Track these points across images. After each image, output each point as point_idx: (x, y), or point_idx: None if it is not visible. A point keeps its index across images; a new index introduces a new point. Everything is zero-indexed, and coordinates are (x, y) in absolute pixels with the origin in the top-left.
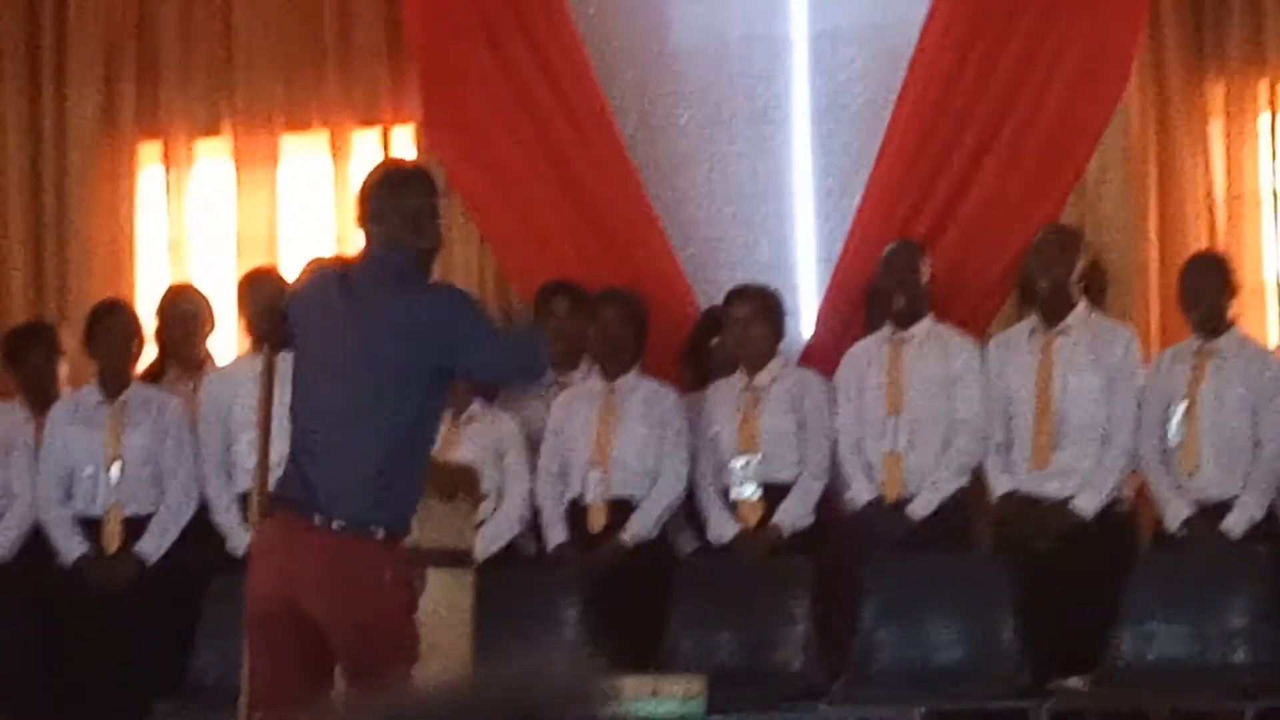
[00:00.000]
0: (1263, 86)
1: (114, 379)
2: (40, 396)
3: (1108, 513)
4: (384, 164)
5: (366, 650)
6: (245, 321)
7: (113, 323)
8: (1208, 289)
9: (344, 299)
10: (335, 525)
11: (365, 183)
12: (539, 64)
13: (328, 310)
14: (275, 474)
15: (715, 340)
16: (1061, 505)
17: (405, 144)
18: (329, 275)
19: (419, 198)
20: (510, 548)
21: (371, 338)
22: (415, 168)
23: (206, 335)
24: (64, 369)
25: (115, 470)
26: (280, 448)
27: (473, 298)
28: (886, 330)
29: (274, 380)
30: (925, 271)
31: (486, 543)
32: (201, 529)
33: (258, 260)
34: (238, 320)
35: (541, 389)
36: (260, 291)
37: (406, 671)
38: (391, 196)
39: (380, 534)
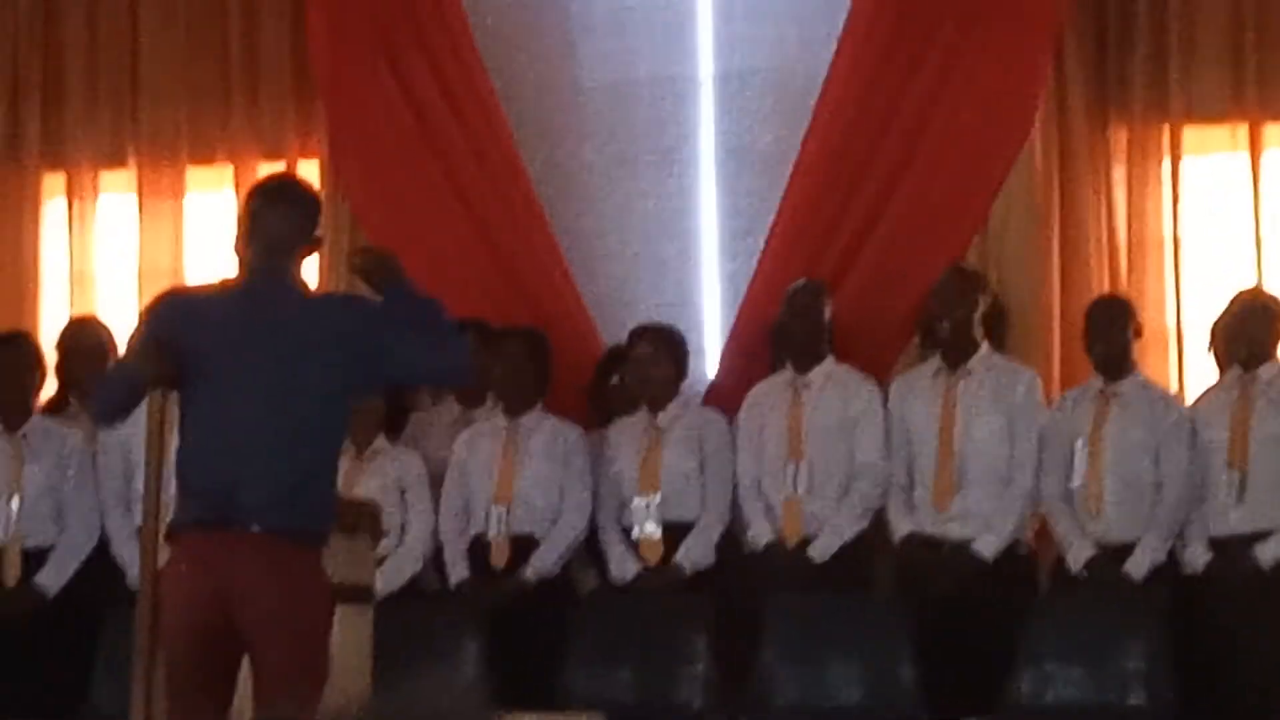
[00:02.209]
0: (1164, 133)
1: (14, 411)
2: None
3: (1008, 555)
4: (258, 182)
5: (293, 659)
6: (62, 368)
7: (13, 355)
8: (1111, 330)
9: (243, 315)
10: (270, 530)
11: (242, 204)
12: (446, 101)
13: (226, 329)
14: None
15: (616, 378)
16: (963, 547)
17: (310, 179)
18: (213, 296)
19: (291, 205)
20: (412, 584)
21: (283, 349)
22: (286, 178)
23: None
24: None
25: (15, 502)
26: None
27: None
28: (788, 372)
29: (166, 420)
30: (827, 312)
31: (388, 578)
32: (101, 562)
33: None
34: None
35: (464, 383)
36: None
37: (318, 693)
38: (265, 210)
39: (310, 540)
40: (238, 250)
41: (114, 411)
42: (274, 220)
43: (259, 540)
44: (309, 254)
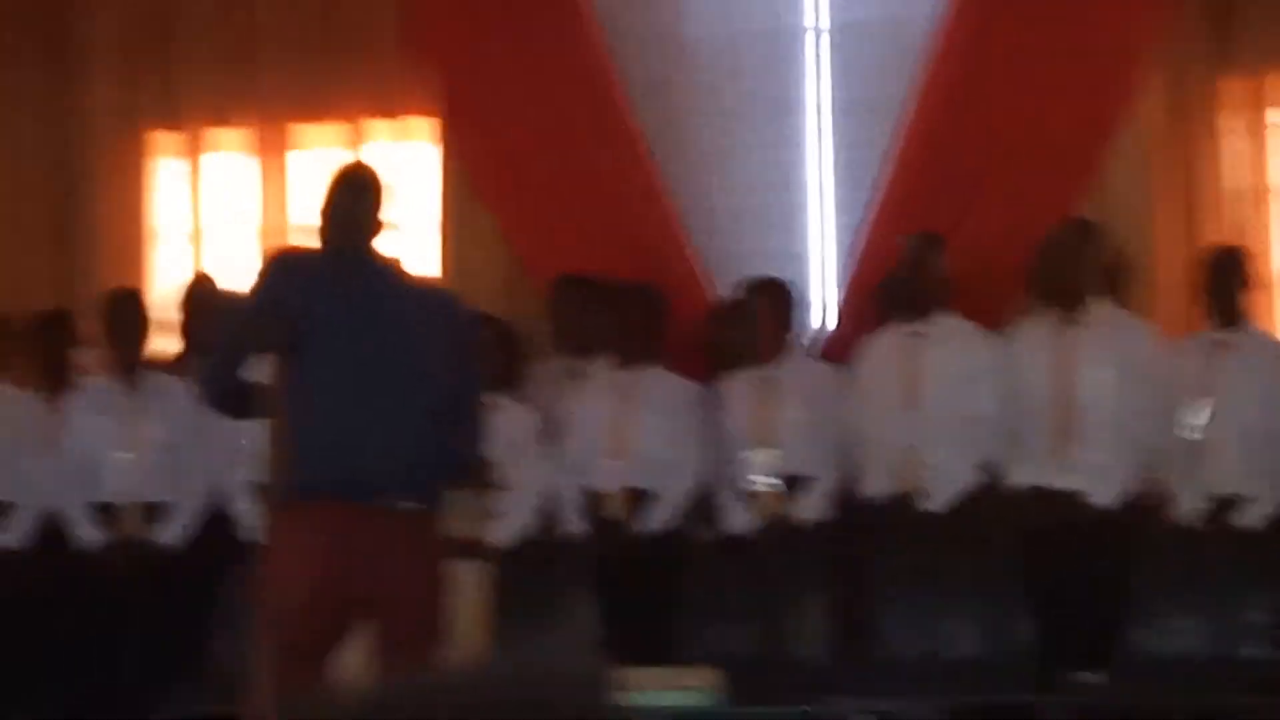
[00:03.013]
0: (1276, 82)
1: (128, 366)
2: (57, 384)
3: (1125, 506)
4: (342, 170)
5: (420, 622)
6: (184, 326)
7: (125, 310)
8: (1226, 282)
9: (350, 280)
10: (399, 501)
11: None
12: (558, 57)
13: (339, 293)
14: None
15: (727, 331)
16: (1079, 498)
17: (420, 135)
18: (321, 261)
19: (370, 198)
20: (527, 538)
21: (398, 322)
22: (365, 172)
23: None
24: (84, 357)
25: (133, 458)
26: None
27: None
28: (904, 324)
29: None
30: (943, 265)
31: (503, 532)
32: (218, 518)
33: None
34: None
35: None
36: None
37: (439, 650)
38: (346, 197)
39: (433, 507)
40: (323, 232)
41: (226, 389)
42: (355, 207)
43: (389, 511)
44: (376, 236)
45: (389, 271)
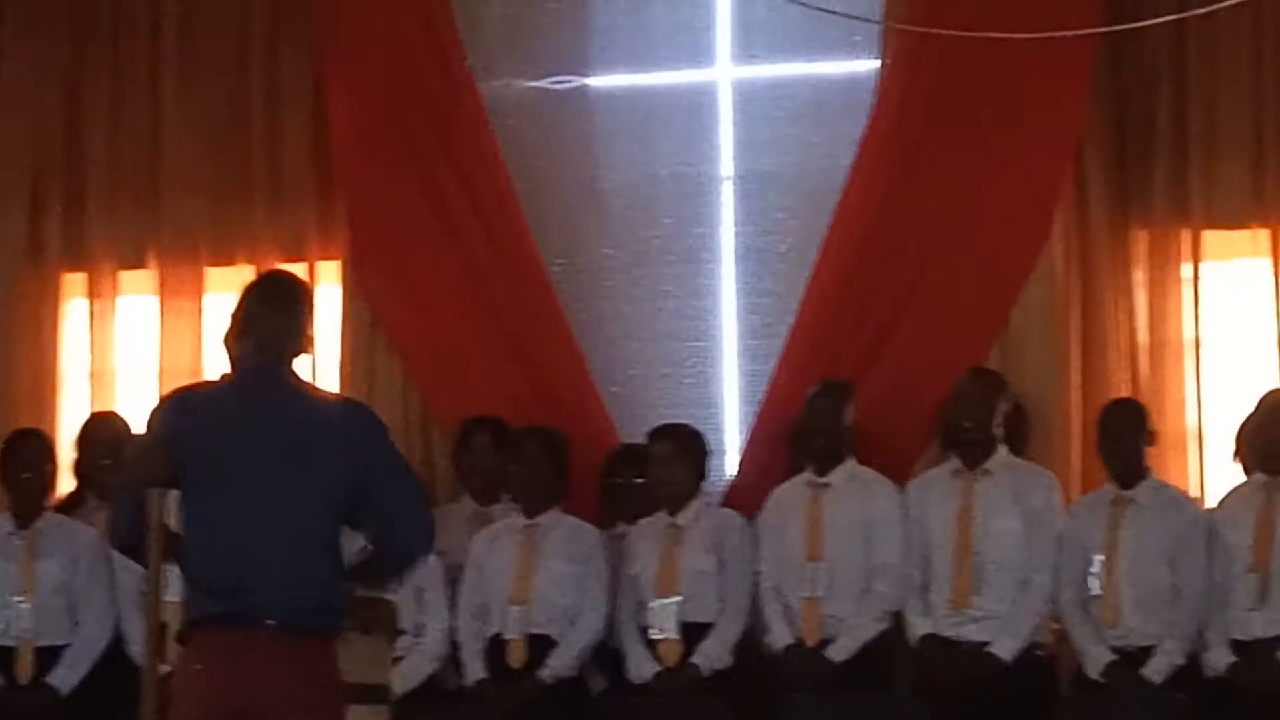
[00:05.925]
0: (1185, 236)
1: (26, 508)
2: None
3: (1027, 657)
4: (254, 280)
5: None
6: (79, 465)
7: (26, 451)
8: (1124, 436)
9: (243, 410)
10: (286, 625)
11: (238, 301)
12: (467, 200)
13: (226, 424)
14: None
15: (620, 479)
16: (980, 648)
17: (330, 279)
18: (213, 392)
19: (287, 307)
20: (429, 683)
21: (287, 444)
22: (283, 276)
23: None
24: None
25: (28, 601)
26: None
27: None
28: (808, 474)
29: (164, 518)
30: (848, 414)
31: (405, 678)
32: (116, 661)
33: None
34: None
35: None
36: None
37: None
38: (260, 309)
39: (324, 633)
40: (228, 345)
41: (127, 532)
42: (269, 321)
43: (276, 635)
44: (300, 354)
45: (293, 391)
